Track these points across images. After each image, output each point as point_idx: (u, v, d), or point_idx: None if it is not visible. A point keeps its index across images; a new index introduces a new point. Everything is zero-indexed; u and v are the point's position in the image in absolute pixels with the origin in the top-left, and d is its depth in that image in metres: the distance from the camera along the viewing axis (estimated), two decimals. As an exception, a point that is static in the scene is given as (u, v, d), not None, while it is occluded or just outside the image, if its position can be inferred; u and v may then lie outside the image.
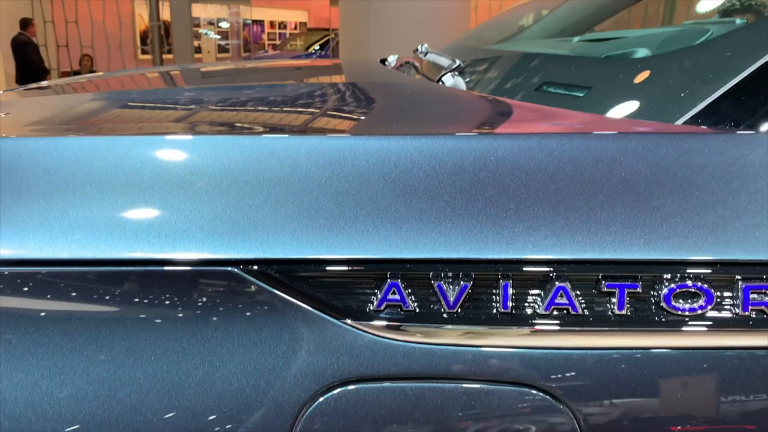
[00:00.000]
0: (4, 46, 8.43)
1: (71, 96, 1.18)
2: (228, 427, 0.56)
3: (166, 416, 0.56)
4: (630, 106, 0.76)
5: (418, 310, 0.57)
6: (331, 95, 1.09)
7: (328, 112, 0.91)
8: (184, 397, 0.56)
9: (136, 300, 0.56)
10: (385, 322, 0.56)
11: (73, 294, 0.56)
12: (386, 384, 0.57)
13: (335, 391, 0.56)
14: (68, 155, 0.60)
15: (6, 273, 0.55)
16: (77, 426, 0.55)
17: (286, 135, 0.65)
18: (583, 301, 0.56)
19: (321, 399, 0.56)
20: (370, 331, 0.56)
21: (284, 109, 0.95)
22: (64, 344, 0.55)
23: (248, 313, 0.56)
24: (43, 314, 0.56)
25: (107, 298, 0.56)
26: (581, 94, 0.85)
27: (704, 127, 0.65)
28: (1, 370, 0.55)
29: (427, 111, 0.88)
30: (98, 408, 0.55)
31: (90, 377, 0.55)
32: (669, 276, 0.56)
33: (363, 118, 0.87)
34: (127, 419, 0.55)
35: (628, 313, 0.56)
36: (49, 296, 0.56)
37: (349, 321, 0.56)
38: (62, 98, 1.17)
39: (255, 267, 0.56)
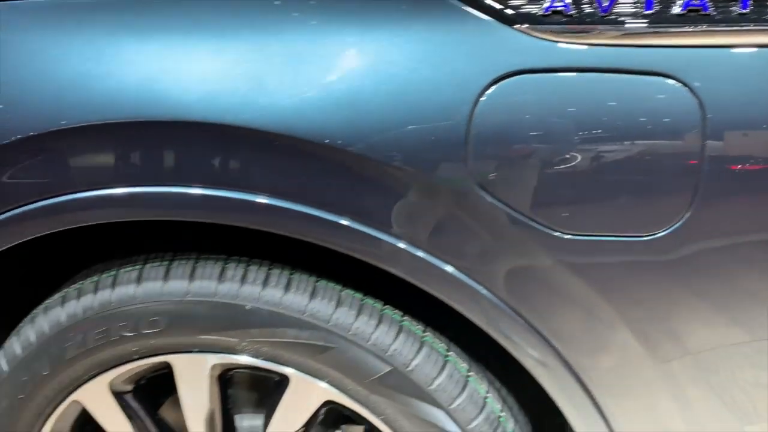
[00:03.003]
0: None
1: None
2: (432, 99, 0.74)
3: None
4: None
5: (577, 15, 0.72)
6: None
7: None
8: None
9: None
10: (550, 26, 0.71)
11: None
12: (547, 75, 0.72)
13: (508, 80, 0.72)
14: None
15: None
16: None
17: None
18: (712, 2, 0.70)
19: (496, 86, 0.72)
20: (538, 34, 0.72)
21: None
22: None
23: (441, 24, 0.73)
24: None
25: None
26: None
27: None
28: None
29: None
30: None
31: None
32: None
33: None
34: None
35: (750, 12, 0.70)
36: None
37: (521, 26, 0.72)
38: None
39: None
